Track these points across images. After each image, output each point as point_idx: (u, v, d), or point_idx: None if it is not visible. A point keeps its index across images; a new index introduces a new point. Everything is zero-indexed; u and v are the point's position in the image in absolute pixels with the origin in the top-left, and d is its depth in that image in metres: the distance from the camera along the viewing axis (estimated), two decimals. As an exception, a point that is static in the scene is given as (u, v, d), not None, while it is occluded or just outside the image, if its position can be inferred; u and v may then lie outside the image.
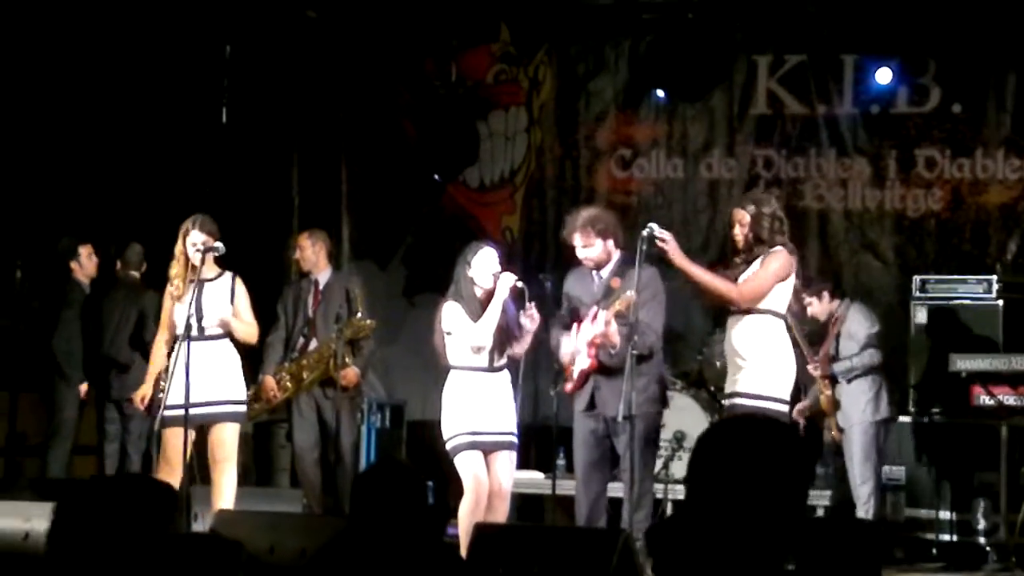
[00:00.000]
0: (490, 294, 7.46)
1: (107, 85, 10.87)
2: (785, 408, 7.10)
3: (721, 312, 7.62)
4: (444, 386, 7.54)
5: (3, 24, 10.29)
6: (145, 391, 7.89)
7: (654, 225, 7.13)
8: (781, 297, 7.11)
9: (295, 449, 9.26)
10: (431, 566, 3.47)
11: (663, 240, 7.00)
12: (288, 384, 9.00)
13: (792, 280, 7.16)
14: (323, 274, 9.17)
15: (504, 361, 7.52)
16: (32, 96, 10.54)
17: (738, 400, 7.00)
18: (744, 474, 2.72)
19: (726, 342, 7.21)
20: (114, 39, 10.78)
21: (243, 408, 7.95)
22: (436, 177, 11.55)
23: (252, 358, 8.90)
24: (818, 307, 9.01)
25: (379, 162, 11.69)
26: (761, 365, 7.01)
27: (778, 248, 7.10)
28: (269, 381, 9.00)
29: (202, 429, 7.77)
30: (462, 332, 7.44)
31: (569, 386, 7.61)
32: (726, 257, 7.25)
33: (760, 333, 7.04)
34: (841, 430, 8.79)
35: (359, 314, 8.93)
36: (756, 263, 7.10)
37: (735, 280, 7.12)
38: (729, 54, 10.75)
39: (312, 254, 9.17)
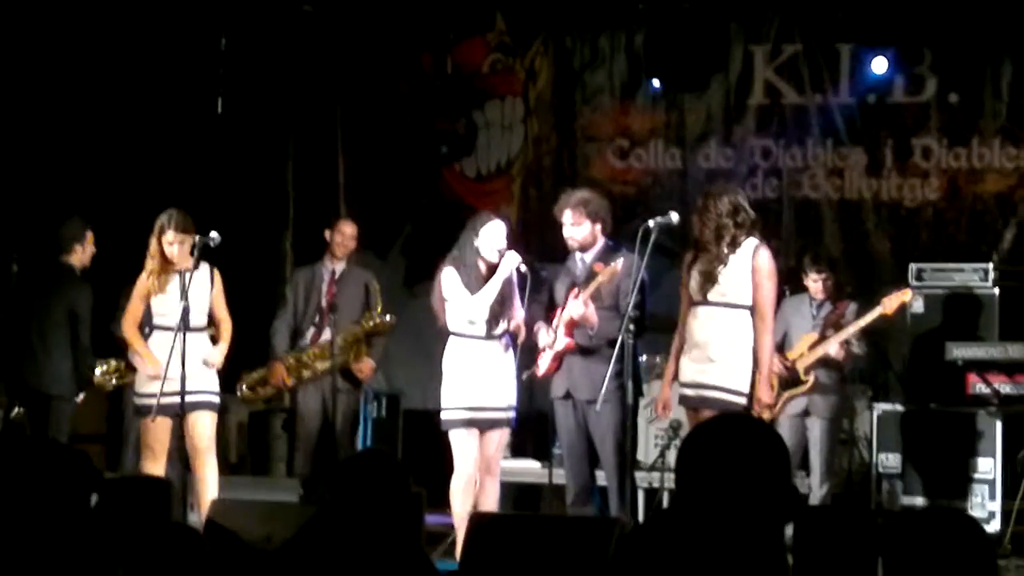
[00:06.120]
0: (492, 267, 7.47)
1: (102, 76, 10.85)
2: (745, 401, 6.95)
3: None
4: (444, 352, 7.58)
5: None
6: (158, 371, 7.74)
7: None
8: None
9: (298, 437, 9.08)
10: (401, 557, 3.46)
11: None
12: (302, 372, 8.83)
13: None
14: (339, 264, 9.03)
15: (502, 329, 7.53)
16: (28, 87, 10.52)
17: (712, 393, 6.88)
18: (732, 472, 2.74)
19: (695, 331, 7.01)
20: (109, 30, 10.76)
21: (219, 399, 8.03)
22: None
23: (257, 339, 8.89)
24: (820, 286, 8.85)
25: (376, 152, 11.68)
26: (736, 360, 6.91)
27: (757, 242, 7.02)
28: (279, 366, 8.83)
29: (180, 419, 7.82)
30: (458, 301, 7.46)
31: (541, 369, 7.63)
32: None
33: (734, 327, 6.93)
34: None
35: (379, 308, 8.90)
36: (744, 261, 6.99)
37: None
38: (725, 44, 10.75)
39: (352, 242, 9.04)
